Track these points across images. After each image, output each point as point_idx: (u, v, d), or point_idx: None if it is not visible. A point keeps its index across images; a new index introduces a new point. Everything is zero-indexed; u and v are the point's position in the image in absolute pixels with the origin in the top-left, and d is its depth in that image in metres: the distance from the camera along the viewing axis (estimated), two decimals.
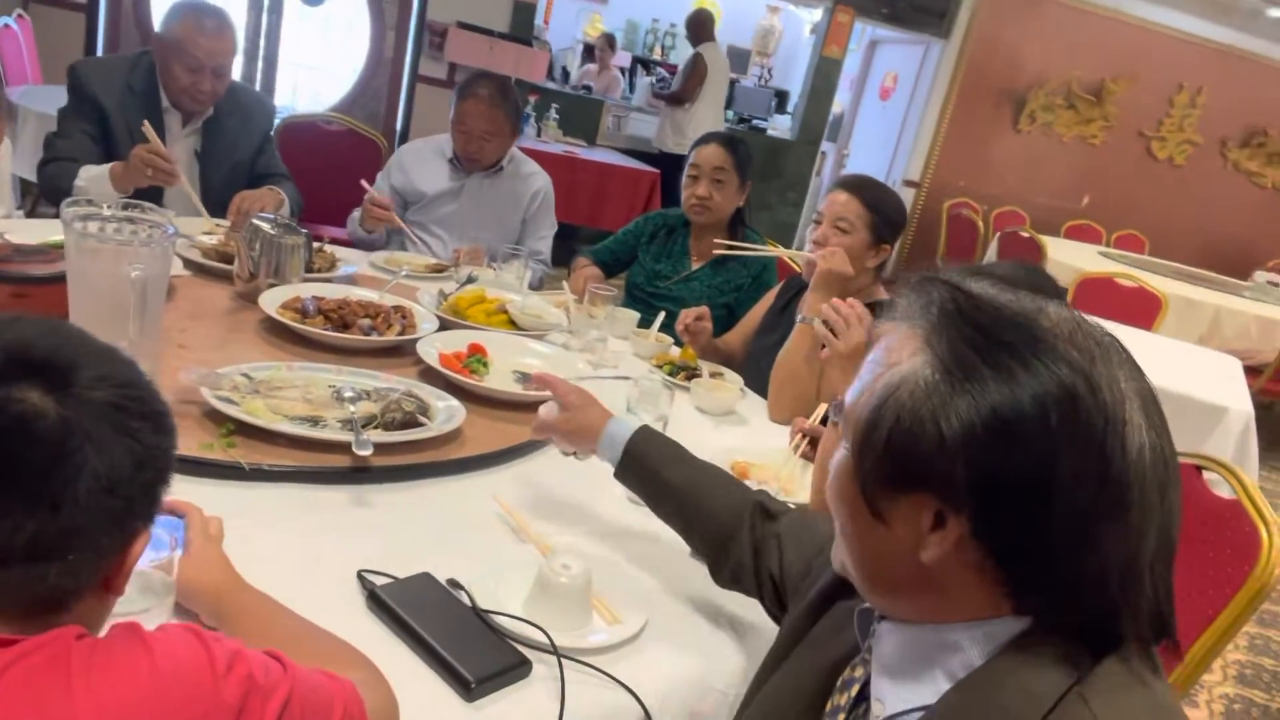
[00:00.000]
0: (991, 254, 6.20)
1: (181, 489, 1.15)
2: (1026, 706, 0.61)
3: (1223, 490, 1.63)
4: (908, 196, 7.86)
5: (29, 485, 0.58)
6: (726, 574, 1.14)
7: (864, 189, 2.00)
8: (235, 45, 2.40)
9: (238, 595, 0.95)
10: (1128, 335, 3.77)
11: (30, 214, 2.57)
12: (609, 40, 7.74)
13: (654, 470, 1.21)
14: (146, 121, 2.15)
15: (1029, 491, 0.61)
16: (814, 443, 1.55)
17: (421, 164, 2.73)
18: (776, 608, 1.09)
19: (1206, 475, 1.68)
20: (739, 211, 2.57)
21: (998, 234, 6.29)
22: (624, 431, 1.24)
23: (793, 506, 1.17)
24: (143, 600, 0.86)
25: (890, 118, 8.09)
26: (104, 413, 0.62)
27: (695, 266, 2.58)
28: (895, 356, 0.67)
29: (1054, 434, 0.60)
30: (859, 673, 0.78)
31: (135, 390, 0.65)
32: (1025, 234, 6.02)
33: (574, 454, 1.32)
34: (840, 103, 8.54)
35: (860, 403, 0.68)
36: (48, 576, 0.60)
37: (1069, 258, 5.76)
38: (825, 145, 8.25)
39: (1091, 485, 0.60)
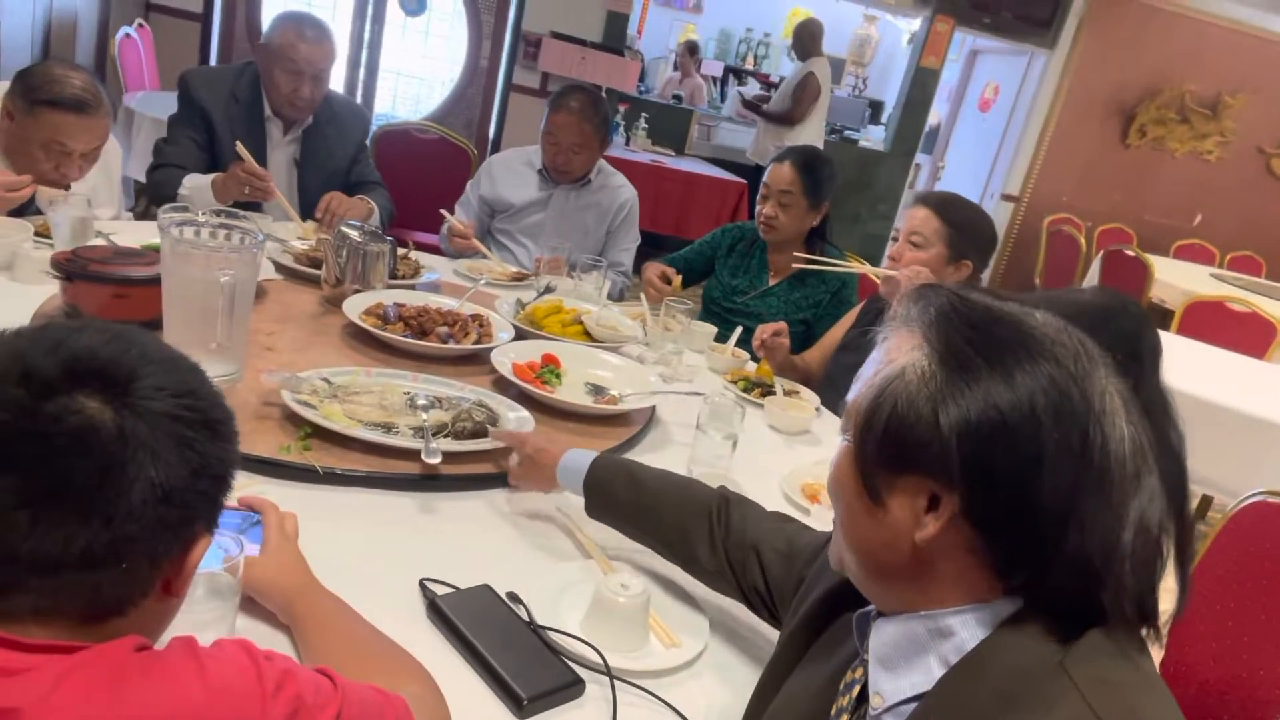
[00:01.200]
0: (1094, 273, 5.95)
1: (258, 489, 1.20)
2: (1015, 684, 0.64)
3: None
4: (1005, 211, 7.62)
5: (83, 496, 0.59)
6: (706, 574, 1.15)
7: (942, 204, 1.95)
8: (334, 53, 2.48)
9: (311, 596, 0.97)
10: (1237, 363, 3.56)
11: (141, 216, 2.69)
12: (690, 48, 7.73)
13: (616, 495, 1.21)
14: (239, 143, 2.23)
15: (1017, 472, 0.65)
16: None
17: (510, 174, 2.77)
18: (771, 619, 1.10)
19: None
20: (818, 229, 2.52)
21: (1101, 253, 6.04)
22: (580, 463, 1.25)
23: None
24: (209, 603, 0.89)
25: (989, 130, 7.86)
26: (161, 422, 0.62)
27: (773, 282, 2.54)
28: (894, 354, 0.72)
29: (1041, 420, 0.65)
30: (859, 673, 0.79)
31: (194, 399, 0.66)
32: (1130, 253, 5.76)
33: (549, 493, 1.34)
34: (937, 114, 8.35)
35: (861, 394, 0.73)
36: (101, 585, 0.61)
37: (1177, 278, 5.49)
38: (920, 157, 8.06)
39: (1074, 467, 0.65)
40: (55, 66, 1.91)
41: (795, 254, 2.34)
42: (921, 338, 0.71)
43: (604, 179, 2.80)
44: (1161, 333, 4.00)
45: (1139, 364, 1.37)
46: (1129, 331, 1.38)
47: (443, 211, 2.56)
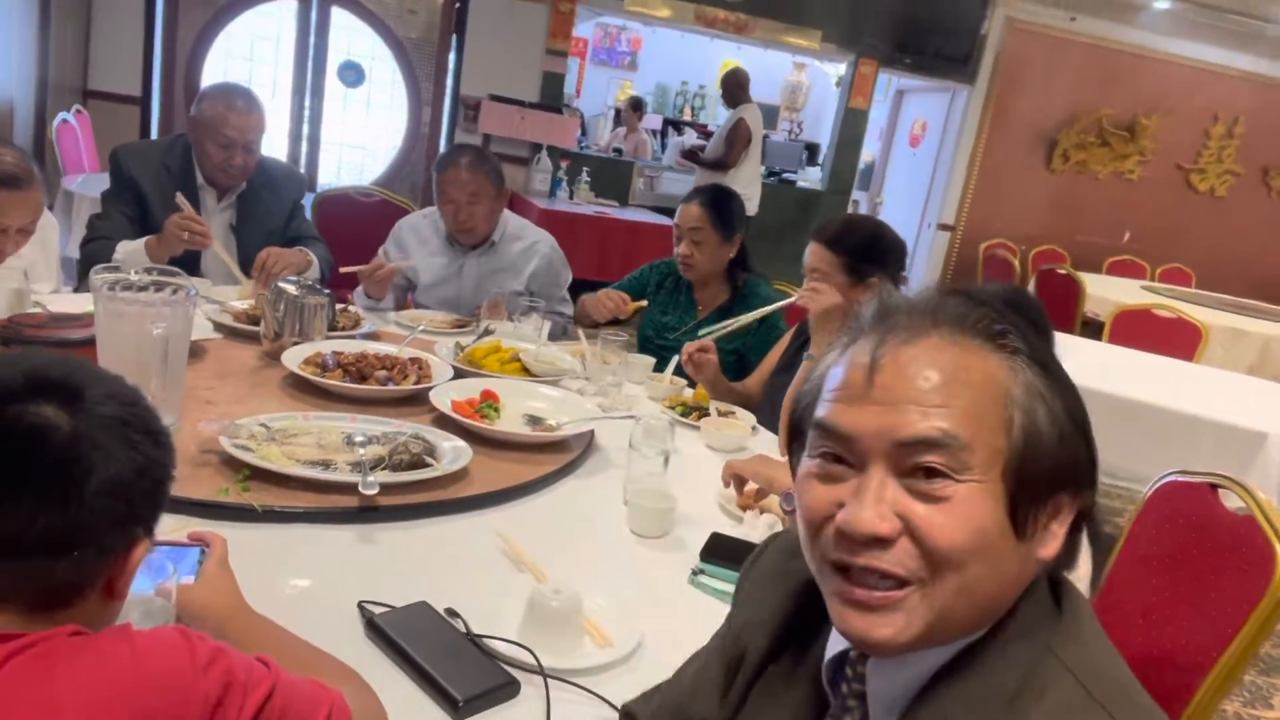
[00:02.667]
0: (1030, 292, 6.16)
1: (198, 530, 1.23)
2: (1016, 675, 0.65)
3: (1234, 504, 1.61)
4: (942, 240, 7.87)
5: (43, 485, 0.66)
6: None
7: (832, 240, 2.04)
8: (264, 122, 2.54)
9: (243, 619, 1.00)
10: (1167, 366, 3.70)
11: (78, 290, 2.71)
12: (634, 104, 7.94)
13: None
14: (180, 193, 2.28)
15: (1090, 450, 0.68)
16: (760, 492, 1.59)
17: (420, 243, 2.74)
18: None
19: (1221, 492, 1.65)
20: (737, 260, 2.59)
21: (1035, 272, 6.25)
22: None
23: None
24: (144, 624, 0.92)
25: (921, 164, 8.14)
26: (109, 424, 0.70)
27: (701, 316, 2.61)
28: (982, 373, 0.67)
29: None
30: None
31: (138, 409, 0.74)
32: (1062, 271, 5.98)
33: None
34: (871, 152, 8.63)
35: (985, 428, 0.65)
36: (56, 571, 0.67)
37: (1108, 292, 5.70)
38: (857, 194, 8.31)
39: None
40: None
41: (702, 331, 2.33)
42: (994, 349, 0.68)
43: (509, 239, 2.75)
44: (1091, 341, 4.14)
45: (1047, 342, 1.48)
46: (1033, 317, 1.49)
47: (344, 269, 2.53)
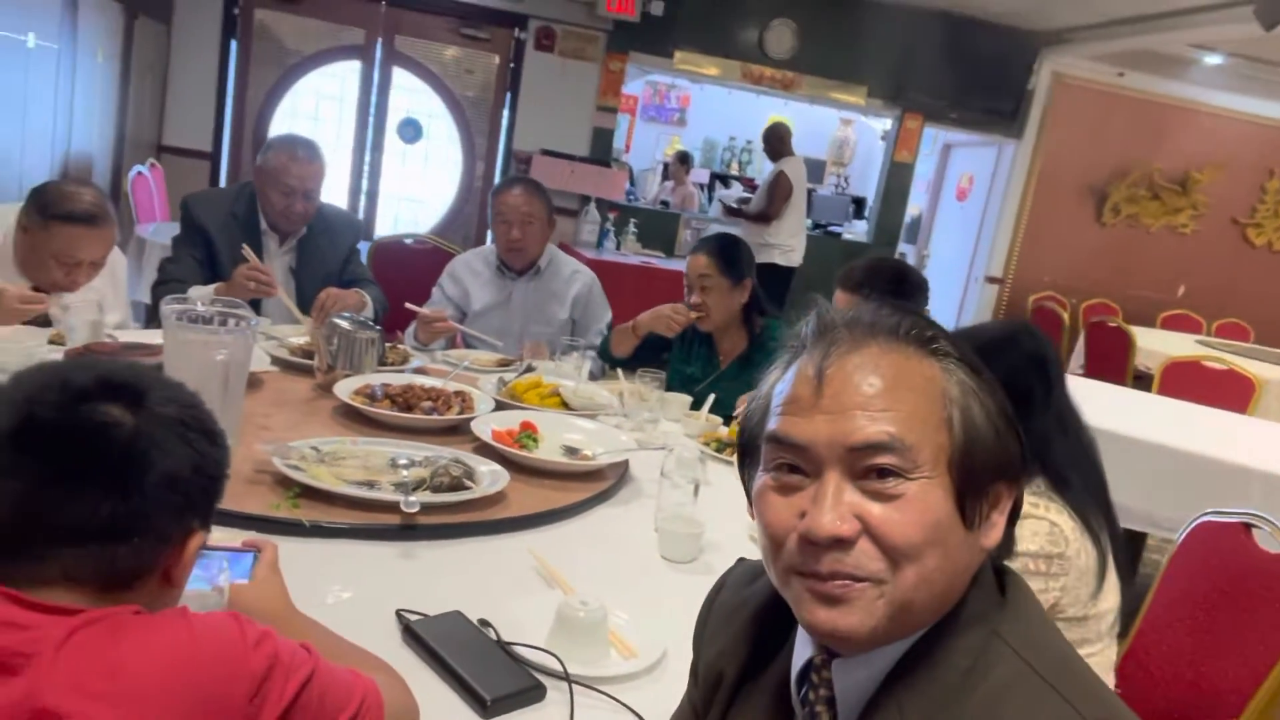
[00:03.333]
0: (1079, 348, 6.09)
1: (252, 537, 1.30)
2: (967, 659, 0.69)
3: (1272, 547, 1.60)
4: (990, 293, 7.83)
5: (107, 477, 0.73)
6: None
7: (852, 281, 2.13)
8: (323, 171, 2.69)
9: (290, 619, 1.06)
10: (1217, 417, 3.64)
11: (147, 328, 2.86)
12: (682, 158, 8.10)
13: None
14: (246, 245, 2.42)
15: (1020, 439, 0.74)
16: None
17: (473, 275, 2.92)
18: None
19: (1255, 532, 1.65)
20: (751, 305, 2.60)
21: (1085, 325, 6.19)
22: None
23: None
24: None
25: (968, 217, 8.15)
26: (170, 424, 0.77)
27: (724, 366, 2.64)
28: (920, 377, 0.72)
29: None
30: None
31: (196, 411, 0.82)
32: (1113, 324, 5.91)
33: None
34: (918, 205, 8.67)
35: (929, 427, 0.70)
36: (118, 555, 0.74)
37: (1161, 345, 5.62)
38: (904, 246, 8.33)
39: None
40: (66, 184, 2.13)
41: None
42: (920, 351, 0.73)
43: (556, 268, 2.92)
44: (1141, 393, 4.07)
45: (1046, 376, 1.51)
46: (1032, 351, 1.52)
47: (409, 305, 2.68)
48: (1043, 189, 7.69)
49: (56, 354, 1.87)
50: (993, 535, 0.73)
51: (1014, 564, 1.38)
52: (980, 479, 0.71)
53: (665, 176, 8.52)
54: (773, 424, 0.74)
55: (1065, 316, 6.79)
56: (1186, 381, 4.41)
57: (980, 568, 0.74)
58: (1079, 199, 7.78)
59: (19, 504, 0.71)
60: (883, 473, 0.69)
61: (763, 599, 0.85)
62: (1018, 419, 1.44)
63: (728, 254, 2.56)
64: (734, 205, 6.77)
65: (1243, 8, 4.81)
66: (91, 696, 0.66)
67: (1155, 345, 5.60)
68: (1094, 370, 5.77)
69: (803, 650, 0.78)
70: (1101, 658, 1.48)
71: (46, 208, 2.07)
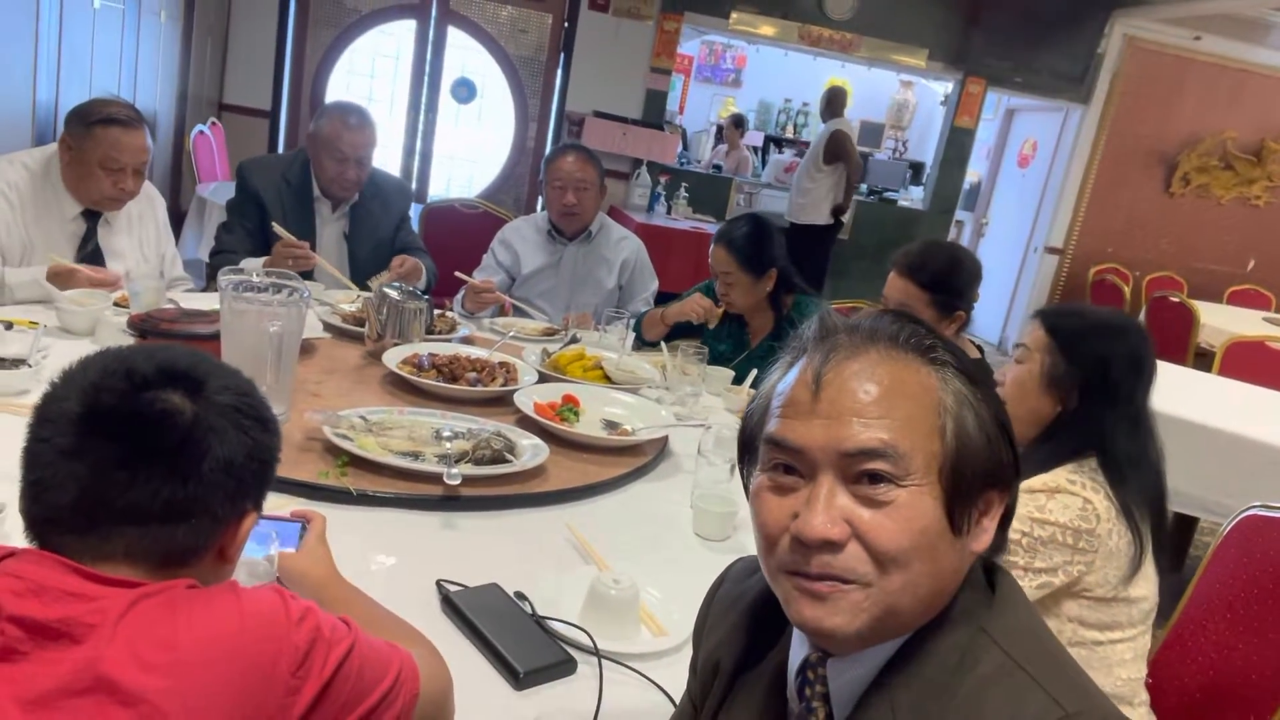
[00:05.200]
0: (1140, 320, 5.95)
1: (300, 508, 1.36)
2: (955, 654, 0.71)
3: None
4: (1050, 264, 7.65)
5: (167, 461, 0.77)
6: None
7: (906, 263, 2.07)
8: (375, 137, 2.72)
9: (334, 586, 1.12)
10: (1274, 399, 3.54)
11: (206, 290, 2.96)
12: (736, 121, 8.00)
13: None
14: (274, 223, 2.48)
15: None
16: None
17: (523, 240, 2.97)
18: None
19: None
20: (779, 290, 2.57)
21: (1147, 300, 6.03)
22: None
23: None
24: (249, 584, 1.04)
25: (1030, 185, 7.94)
26: (226, 412, 0.81)
27: (754, 345, 2.63)
28: (917, 385, 0.73)
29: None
30: None
31: (251, 399, 0.85)
32: (1175, 299, 5.75)
33: None
34: (977, 171, 8.47)
35: (920, 436, 0.72)
36: (176, 535, 0.78)
37: (1226, 323, 5.45)
38: (962, 214, 8.17)
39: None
40: (100, 98, 2.27)
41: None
42: (920, 360, 0.74)
43: (606, 233, 2.98)
44: (1199, 373, 3.98)
45: (1136, 380, 1.50)
46: (1134, 350, 1.51)
47: (458, 274, 2.74)
48: (1109, 157, 7.45)
49: (121, 318, 1.94)
50: (982, 540, 0.75)
51: (1043, 533, 1.39)
52: (970, 487, 0.73)
53: (719, 140, 8.43)
54: (771, 426, 0.76)
55: (1126, 290, 6.62)
56: (1249, 362, 4.29)
57: (970, 568, 0.76)
58: (1147, 168, 7.53)
59: (85, 485, 0.75)
60: (875, 478, 0.71)
61: (759, 593, 0.87)
62: (1093, 404, 1.45)
63: (748, 249, 2.50)
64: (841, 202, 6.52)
65: None
66: (146, 667, 0.70)
67: (1219, 322, 5.44)
68: (1155, 347, 5.62)
69: (800, 648, 0.80)
70: (1134, 644, 1.48)
71: (86, 116, 2.20)
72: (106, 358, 0.81)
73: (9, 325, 1.84)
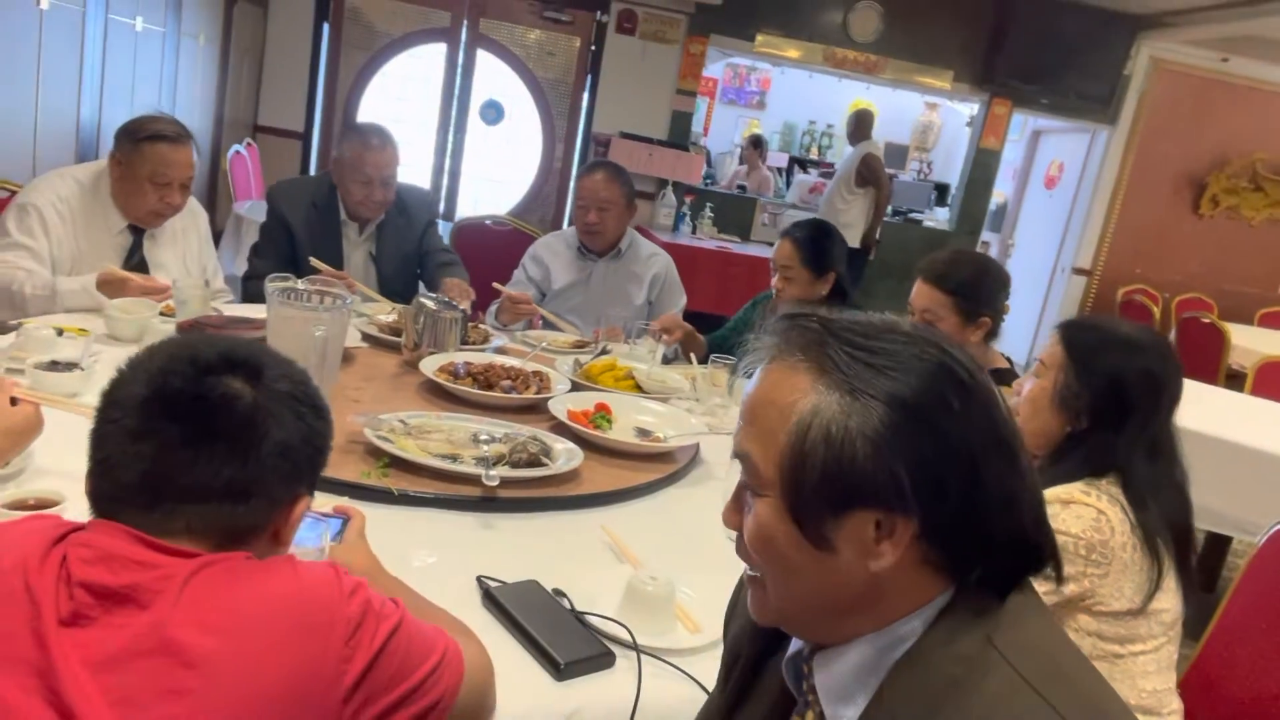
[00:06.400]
0: (1171, 341, 5.91)
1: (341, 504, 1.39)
2: (954, 667, 0.68)
3: None
4: (1078, 285, 7.61)
5: (228, 443, 0.81)
6: None
7: (934, 271, 2.08)
8: (398, 156, 2.74)
9: (381, 576, 1.15)
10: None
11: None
12: (755, 142, 8.06)
13: None
14: (312, 258, 2.51)
15: (960, 471, 0.67)
16: None
17: (554, 256, 3.01)
18: None
19: None
20: (833, 296, 2.59)
21: (1177, 321, 5.99)
22: None
23: None
24: None
25: (1057, 206, 7.92)
26: (283, 398, 0.85)
27: None
28: (788, 394, 0.70)
29: (957, 410, 0.68)
30: (810, 717, 0.79)
31: (306, 387, 0.90)
32: (1206, 320, 5.71)
33: None
34: (1003, 193, 8.46)
35: (771, 447, 0.70)
36: (235, 514, 0.82)
37: (1257, 344, 5.41)
38: (988, 235, 8.15)
39: (997, 447, 0.69)
40: (148, 115, 2.35)
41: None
42: (814, 370, 0.70)
43: (635, 250, 3.01)
44: (1232, 393, 3.94)
45: (1154, 399, 1.47)
46: (1151, 369, 1.47)
47: (496, 285, 2.79)
48: (1137, 178, 7.42)
49: (168, 325, 2.00)
50: (880, 561, 0.69)
51: (1056, 542, 1.37)
52: (817, 504, 0.69)
53: (740, 160, 8.49)
54: None
55: (1156, 311, 6.58)
56: None
57: (964, 580, 0.72)
58: (1175, 189, 7.49)
59: (151, 464, 0.80)
60: (745, 488, 0.76)
61: None
62: (1105, 427, 1.42)
63: (816, 245, 2.56)
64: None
65: None
66: (209, 630, 0.74)
67: (1251, 344, 5.39)
68: (1184, 368, 5.58)
69: (798, 640, 0.82)
70: (1158, 655, 1.46)
71: (135, 133, 2.27)
72: (172, 345, 0.86)
73: (60, 332, 1.90)
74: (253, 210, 4.61)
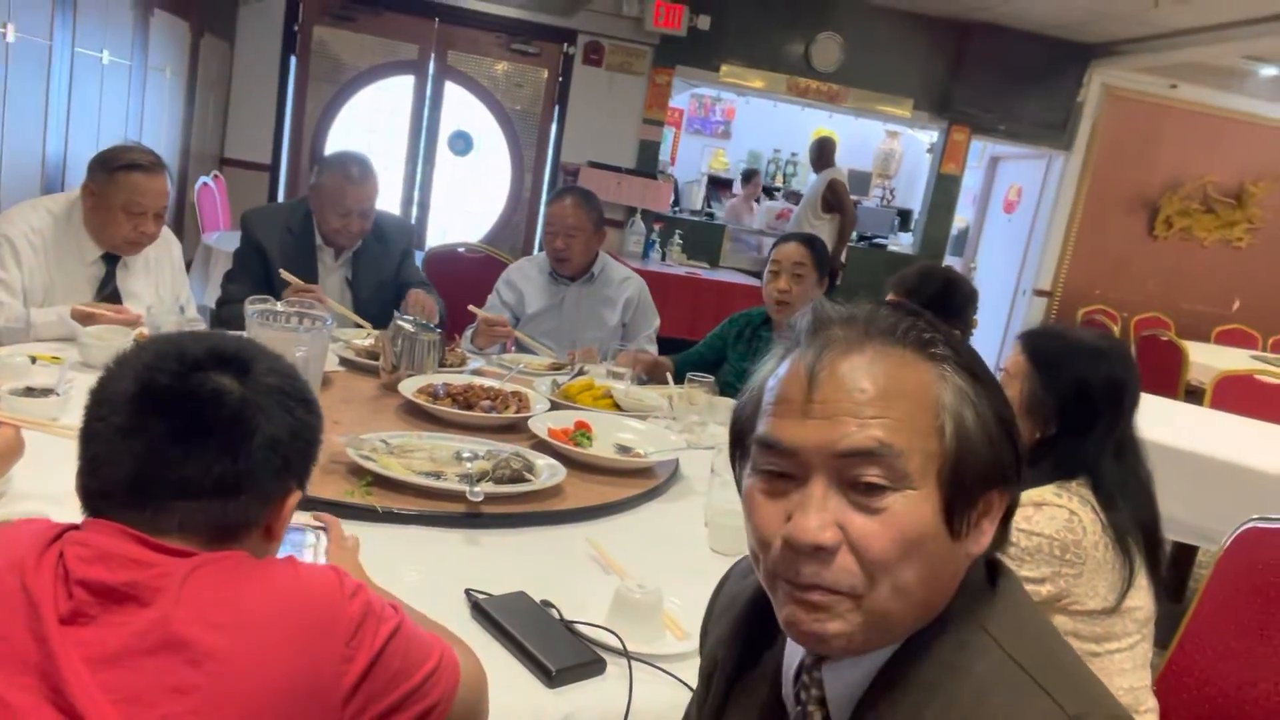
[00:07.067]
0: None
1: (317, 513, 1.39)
2: (955, 653, 0.70)
3: None
4: (1039, 306, 7.77)
5: (218, 439, 0.81)
6: None
7: (905, 287, 2.14)
8: (378, 187, 2.76)
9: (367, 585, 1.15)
10: (1270, 430, 3.60)
11: None
12: (747, 176, 8.30)
13: None
14: (282, 270, 2.52)
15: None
16: None
17: (527, 281, 3.04)
18: None
19: None
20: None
21: (1136, 339, 6.13)
22: None
23: None
24: None
25: (1016, 230, 8.10)
26: (272, 393, 0.85)
27: None
28: (915, 382, 0.70)
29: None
30: None
31: (295, 382, 0.90)
32: (1165, 338, 5.85)
33: None
34: (964, 218, 8.63)
35: (921, 437, 0.69)
36: (226, 510, 0.82)
37: (1214, 360, 5.55)
38: (951, 259, 8.29)
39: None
40: (122, 145, 2.35)
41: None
42: (925, 356, 0.71)
43: (608, 273, 3.05)
44: (1193, 406, 4.04)
45: (1118, 404, 1.53)
46: (1113, 375, 1.54)
47: (471, 308, 2.79)
48: (1093, 201, 7.62)
49: None
50: (981, 542, 0.72)
51: (1029, 543, 1.41)
52: (970, 489, 0.70)
53: (711, 189, 8.62)
54: (763, 425, 0.74)
55: (1116, 330, 6.72)
56: (1239, 396, 4.36)
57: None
58: (1130, 212, 7.70)
59: (141, 460, 0.79)
60: (870, 487, 0.68)
61: (756, 590, 0.85)
62: (1073, 432, 1.46)
63: (820, 250, 2.68)
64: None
65: None
66: (214, 627, 0.74)
67: (1208, 360, 5.53)
68: (1145, 385, 5.70)
69: (795, 650, 0.79)
70: (1133, 653, 1.49)
71: (110, 162, 2.27)
72: (159, 342, 0.86)
73: (33, 360, 1.88)
74: (220, 241, 4.59)
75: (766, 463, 0.73)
